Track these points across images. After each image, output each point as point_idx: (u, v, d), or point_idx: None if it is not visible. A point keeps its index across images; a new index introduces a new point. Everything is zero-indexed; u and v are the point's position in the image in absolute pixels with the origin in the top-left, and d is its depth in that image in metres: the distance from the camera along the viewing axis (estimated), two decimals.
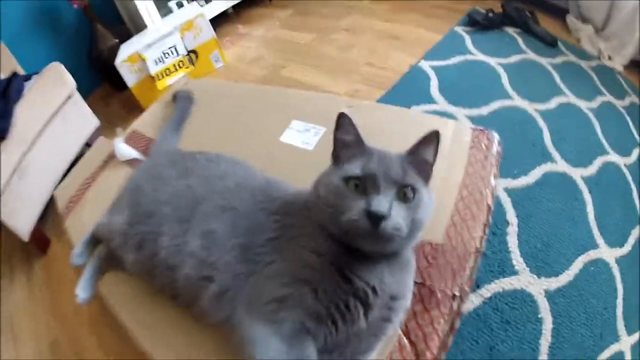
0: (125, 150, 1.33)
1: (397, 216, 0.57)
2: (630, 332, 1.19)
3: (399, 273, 0.64)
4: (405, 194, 0.59)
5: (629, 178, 1.58)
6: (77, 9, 2.64)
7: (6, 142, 1.70)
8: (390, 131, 0.98)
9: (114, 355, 1.38)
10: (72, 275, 1.66)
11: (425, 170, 0.65)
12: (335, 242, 0.62)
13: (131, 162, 1.31)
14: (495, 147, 0.92)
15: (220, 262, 0.67)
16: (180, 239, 0.73)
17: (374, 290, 0.60)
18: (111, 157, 1.37)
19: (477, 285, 1.14)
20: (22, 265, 1.91)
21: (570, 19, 2.32)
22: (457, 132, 0.98)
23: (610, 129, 1.73)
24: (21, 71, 2.16)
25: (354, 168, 0.62)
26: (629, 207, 1.49)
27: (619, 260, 1.32)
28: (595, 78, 2.00)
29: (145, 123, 1.47)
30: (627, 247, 1.37)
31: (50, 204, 1.91)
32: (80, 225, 1.16)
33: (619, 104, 1.91)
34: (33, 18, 2.70)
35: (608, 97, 1.91)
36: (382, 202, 0.57)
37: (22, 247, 1.97)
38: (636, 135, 1.78)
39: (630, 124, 1.83)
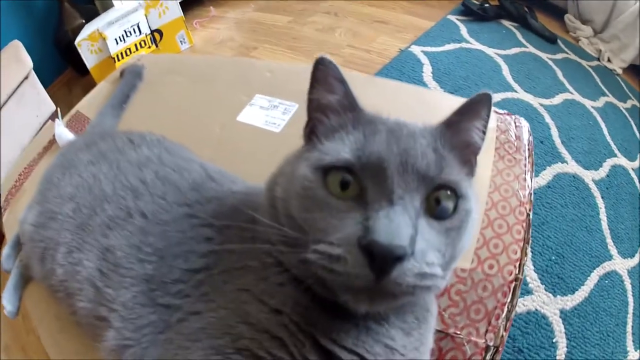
0: (64, 134, 1.18)
1: (427, 249, 0.33)
2: (636, 347, 1.12)
3: (416, 328, 0.40)
4: (437, 201, 0.35)
5: (637, 183, 1.50)
6: None
7: None
8: (388, 109, 0.76)
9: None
10: None
11: (467, 157, 0.41)
12: (302, 284, 0.37)
13: None
14: (527, 136, 0.71)
15: (119, 300, 0.44)
16: (77, 254, 0.50)
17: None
18: (51, 143, 1.22)
19: None
20: None
21: (569, 18, 2.26)
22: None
23: (615, 130, 1.64)
24: None
25: (342, 149, 0.37)
26: (638, 214, 1.41)
27: (630, 272, 1.25)
28: (596, 78, 1.92)
29: (89, 104, 1.32)
30: (636, 258, 1.29)
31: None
32: (15, 221, 0.96)
33: (622, 105, 1.84)
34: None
35: (611, 98, 1.82)
36: (400, 222, 0.31)
37: None
38: (639, 139, 1.71)
39: (634, 126, 1.76)
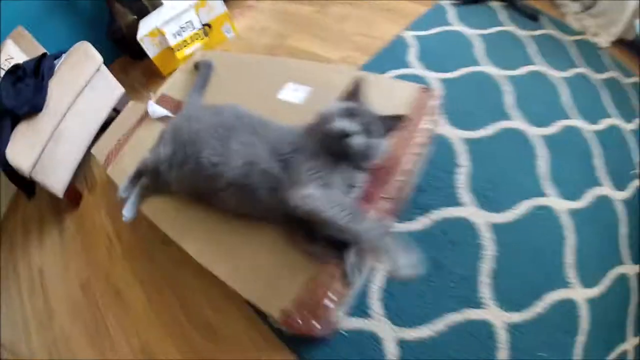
0: (157, 109, 1.63)
1: (358, 138, 0.92)
2: (585, 284, 1.28)
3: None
4: (370, 132, 0.94)
5: (591, 142, 1.67)
6: None
7: (42, 114, 1.95)
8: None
9: (145, 276, 1.64)
10: (104, 221, 2.00)
11: (387, 130, 1.00)
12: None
13: (162, 119, 1.61)
14: (433, 101, 1.19)
15: (260, 154, 1.01)
16: (221, 148, 1.07)
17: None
18: (143, 117, 1.68)
19: (426, 210, 1.34)
20: (53, 221, 2.16)
21: None
22: (407, 90, 1.25)
23: (579, 98, 1.83)
24: (44, 51, 2.35)
25: (346, 105, 0.98)
26: (587, 168, 1.60)
27: (571, 212, 1.42)
28: (572, 51, 2.09)
29: (171, 87, 1.79)
30: (581, 202, 1.47)
31: (82, 163, 2.17)
32: (121, 170, 1.51)
33: (596, 76, 1.98)
34: (51, 1, 2.89)
35: (583, 70, 1.99)
36: (354, 127, 0.91)
37: (51, 206, 2.27)
38: (607, 107, 1.86)
39: (605, 96, 1.90)
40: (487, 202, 1.39)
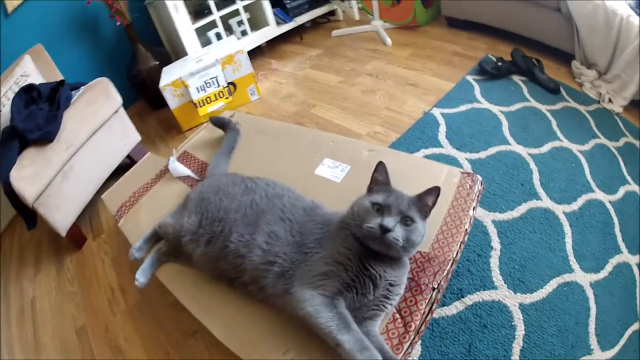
0: (179, 167, 1.62)
1: (397, 232, 0.89)
2: (603, 348, 1.35)
3: (397, 270, 0.97)
4: (406, 221, 0.91)
5: (612, 212, 1.75)
6: (119, 26, 2.88)
7: (53, 144, 1.89)
8: (400, 172, 1.22)
9: (149, 337, 1.56)
10: (108, 271, 1.94)
11: (424, 210, 0.97)
12: (359, 243, 0.94)
13: (183, 178, 1.60)
14: (477, 187, 1.22)
15: (281, 252, 1.01)
16: (249, 236, 1.07)
17: (380, 276, 0.93)
18: (163, 172, 1.66)
19: (461, 295, 1.37)
20: (51, 258, 2.13)
21: (575, 64, 2.47)
22: (449, 174, 1.28)
23: (598, 169, 1.90)
24: (59, 76, 2.35)
25: (379, 198, 0.94)
26: (609, 239, 1.66)
27: (593, 284, 1.48)
28: (591, 122, 2.17)
29: (194, 146, 1.78)
30: (603, 273, 1.54)
31: (89, 206, 2.17)
32: (135, 226, 1.47)
33: (613, 145, 2.07)
34: (74, 27, 2.97)
35: (602, 140, 2.07)
36: (391, 221, 0.89)
37: (53, 242, 2.21)
38: (625, 174, 1.95)
39: (622, 163, 1.99)
40: (518, 283, 1.42)
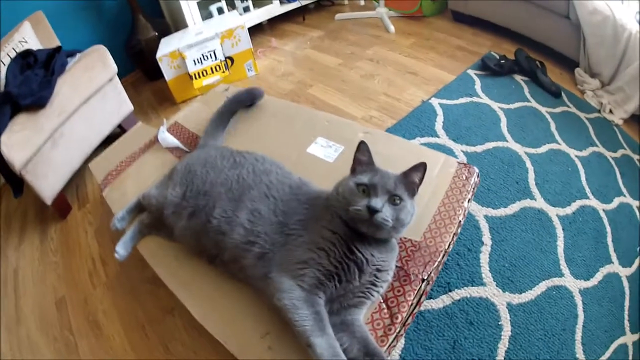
0: (169, 138, 1.57)
1: (386, 212, 0.85)
2: (588, 357, 1.33)
3: (385, 254, 0.92)
4: (394, 200, 0.87)
5: (605, 221, 1.73)
6: None
7: (45, 110, 1.84)
8: (395, 157, 1.22)
9: (126, 312, 1.53)
10: (90, 242, 1.89)
11: (412, 187, 0.92)
12: (345, 225, 0.89)
13: (171, 149, 1.54)
14: (474, 179, 1.16)
15: (263, 232, 0.95)
16: (231, 212, 1.01)
17: (367, 260, 0.88)
18: (152, 142, 1.61)
19: (449, 289, 1.33)
20: (36, 227, 2.09)
21: (579, 72, 2.47)
22: (446, 164, 1.22)
23: (594, 176, 1.89)
24: (58, 43, 2.31)
25: (364, 178, 0.90)
26: (601, 248, 1.65)
27: (582, 291, 1.46)
28: (591, 130, 2.16)
29: (186, 117, 1.71)
30: (592, 281, 1.52)
31: (77, 174, 2.14)
32: (120, 196, 1.42)
33: (610, 155, 2.06)
34: None
35: (600, 149, 2.06)
36: (378, 202, 0.85)
37: (38, 211, 2.18)
38: (621, 186, 1.94)
39: (618, 175, 1.99)
40: (507, 282, 1.39)
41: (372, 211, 0.83)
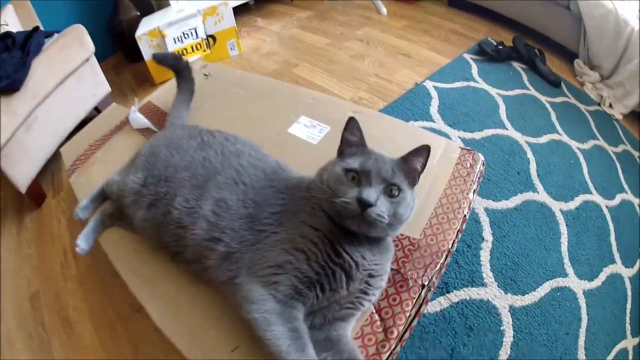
0: (139, 118, 1.42)
1: (381, 206, 0.68)
2: None
3: (379, 255, 0.74)
4: (391, 190, 0.69)
5: (608, 218, 1.66)
6: None
7: (19, 93, 1.74)
8: (389, 139, 1.06)
9: (97, 308, 1.44)
10: (63, 232, 1.76)
11: (412, 176, 0.75)
12: (330, 220, 0.72)
13: (143, 130, 1.40)
14: (479, 167, 1.00)
15: (229, 227, 0.77)
16: (194, 202, 0.83)
17: (357, 264, 0.70)
18: (123, 124, 1.46)
19: (446, 290, 1.21)
20: (13, 216, 1.96)
21: (578, 63, 2.42)
22: (448, 149, 1.06)
23: (597, 171, 1.82)
24: (41, 27, 2.19)
25: (354, 162, 0.72)
26: (604, 246, 1.57)
27: (586, 293, 1.39)
28: (591, 122, 2.10)
29: (160, 96, 1.56)
30: (596, 282, 1.45)
31: (52, 160, 1.99)
32: (86, 181, 1.27)
33: (612, 150, 2.00)
34: None
35: (601, 142, 1.99)
36: (372, 193, 0.67)
37: (16, 199, 2.04)
38: (623, 182, 1.88)
39: (620, 170, 1.92)
40: (509, 282, 1.30)
41: (364, 205, 0.66)
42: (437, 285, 1.08)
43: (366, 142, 0.78)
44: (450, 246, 0.85)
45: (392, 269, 0.80)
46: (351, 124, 0.77)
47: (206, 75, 1.58)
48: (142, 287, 0.93)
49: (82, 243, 1.05)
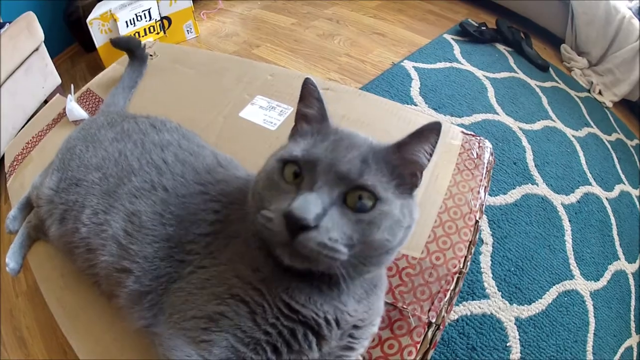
0: (75, 109, 1.25)
1: (331, 229, 0.40)
2: None
3: (364, 298, 0.49)
4: (359, 198, 0.42)
5: (609, 211, 1.57)
6: None
7: None
8: (368, 123, 0.85)
9: (47, 329, 1.33)
10: (11, 241, 1.59)
11: (408, 173, 0.48)
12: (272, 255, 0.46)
13: (79, 122, 1.21)
14: (487, 157, 0.79)
15: (142, 254, 0.53)
16: (103, 216, 0.59)
17: (327, 321, 0.45)
18: (60, 116, 1.30)
19: None
20: None
21: (565, 48, 2.35)
22: (447, 134, 0.84)
23: (594, 160, 1.72)
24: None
25: (296, 148, 0.46)
26: (608, 242, 1.48)
27: (593, 294, 1.30)
28: (583, 109, 1.99)
29: (100, 83, 1.37)
30: (602, 282, 1.36)
31: (1, 161, 1.80)
32: (19, 186, 1.10)
33: (606, 138, 1.90)
34: None
35: (595, 130, 1.89)
36: (311, 203, 0.40)
37: None
38: (620, 172, 1.79)
39: (616, 160, 1.83)
40: (514, 291, 1.18)
41: (294, 224, 0.40)
42: None
43: (329, 117, 0.51)
44: (462, 265, 0.61)
45: (386, 303, 0.55)
46: (307, 89, 0.51)
47: (151, 55, 1.37)
48: (65, 319, 0.75)
49: (11, 262, 0.88)
